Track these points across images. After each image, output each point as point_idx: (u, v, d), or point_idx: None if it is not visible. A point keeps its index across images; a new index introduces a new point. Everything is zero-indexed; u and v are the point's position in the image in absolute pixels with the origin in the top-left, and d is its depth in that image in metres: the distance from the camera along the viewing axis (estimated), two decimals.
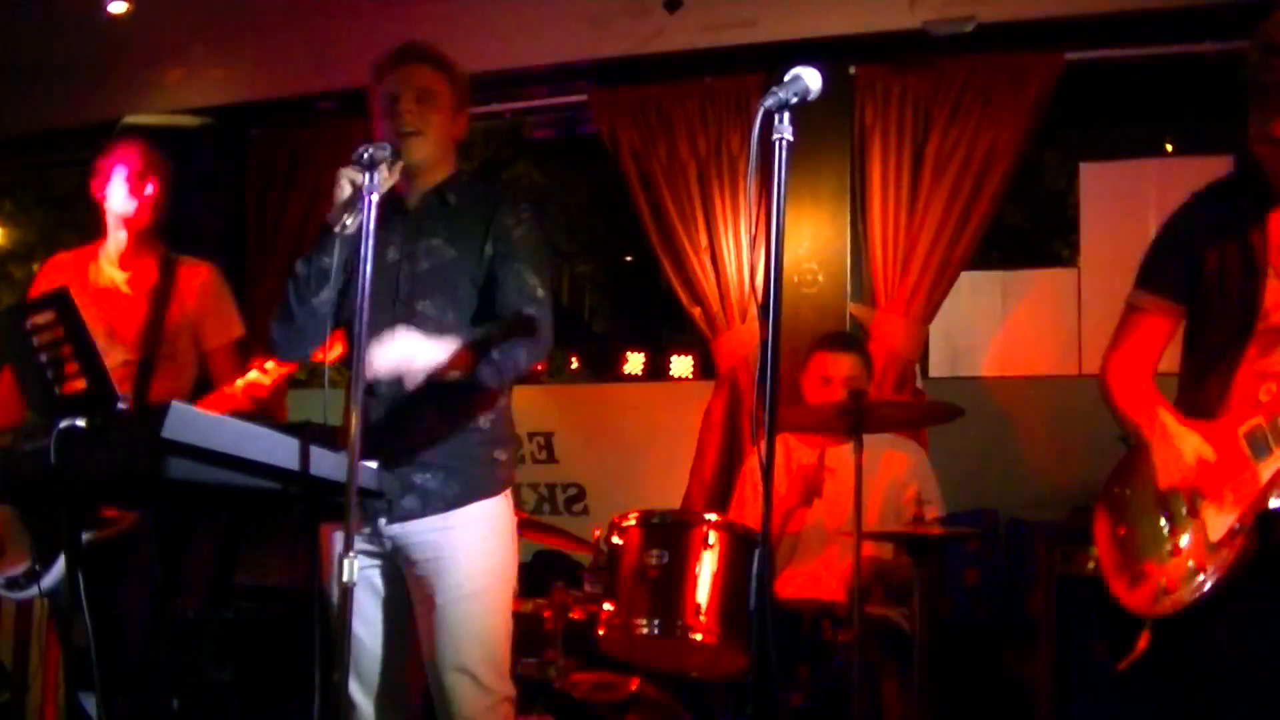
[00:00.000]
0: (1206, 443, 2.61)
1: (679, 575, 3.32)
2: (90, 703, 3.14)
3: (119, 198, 3.82)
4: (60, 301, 2.54)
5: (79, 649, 2.87)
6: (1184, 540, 2.63)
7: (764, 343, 2.13)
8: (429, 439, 2.87)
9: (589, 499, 5.42)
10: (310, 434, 2.43)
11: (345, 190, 2.62)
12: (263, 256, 5.66)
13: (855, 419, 3.55)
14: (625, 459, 5.41)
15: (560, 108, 5.60)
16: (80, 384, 2.48)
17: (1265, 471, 2.54)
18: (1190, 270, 2.74)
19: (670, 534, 3.40)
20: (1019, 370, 5.24)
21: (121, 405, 2.51)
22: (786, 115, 2.14)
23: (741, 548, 3.35)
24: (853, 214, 4.88)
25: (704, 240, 5.00)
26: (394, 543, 2.91)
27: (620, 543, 3.43)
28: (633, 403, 5.85)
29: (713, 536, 3.34)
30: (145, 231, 3.86)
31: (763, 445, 2.12)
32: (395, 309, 2.89)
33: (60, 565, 3.46)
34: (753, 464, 4.24)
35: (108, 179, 3.83)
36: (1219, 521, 2.57)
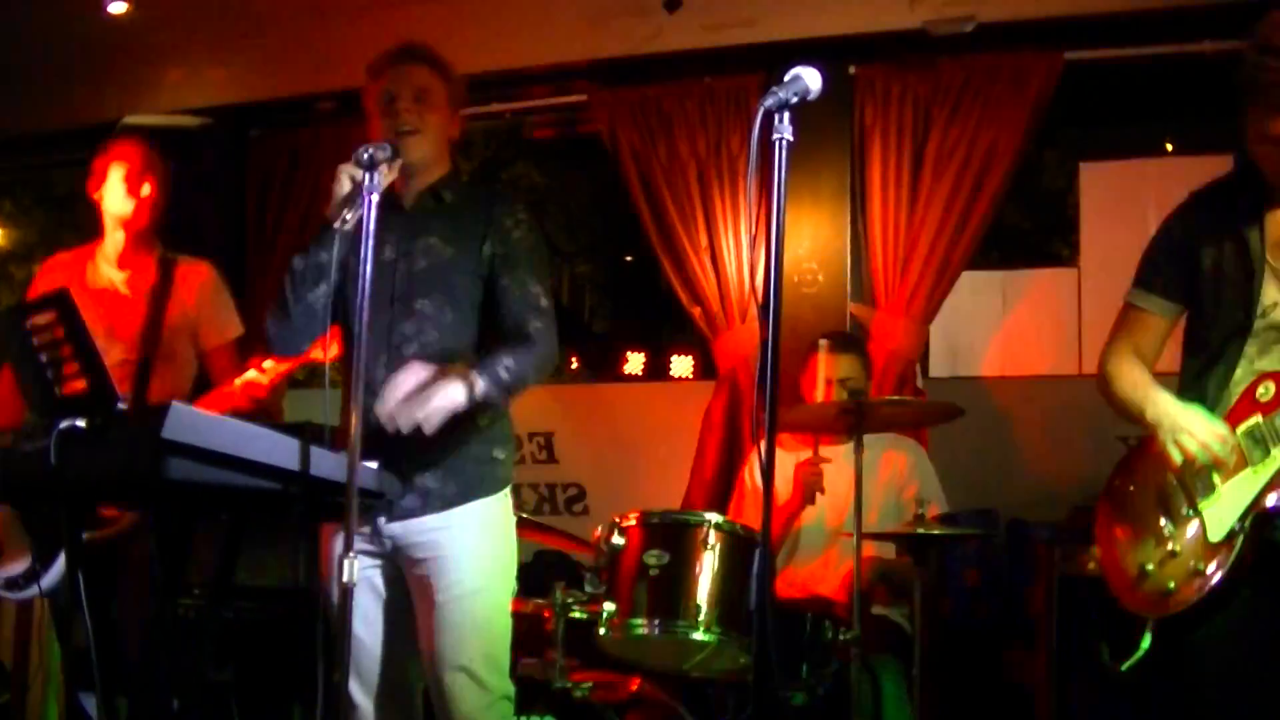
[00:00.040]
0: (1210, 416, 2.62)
1: (679, 575, 3.32)
2: (90, 703, 3.14)
3: (116, 198, 3.81)
4: (61, 302, 2.54)
5: (79, 649, 2.87)
6: (1185, 540, 2.63)
7: (764, 343, 2.13)
8: (428, 437, 2.87)
9: (589, 499, 5.42)
10: (310, 434, 2.43)
11: (345, 186, 2.64)
12: (263, 256, 5.66)
13: (856, 419, 3.55)
14: (625, 459, 5.41)
15: (560, 108, 5.59)
16: (80, 384, 2.48)
17: (1264, 471, 2.55)
18: (1188, 270, 2.74)
19: (671, 534, 3.40)
20: (1019, 370, 5.24)
21: (121, 406, 2.51)
22: (786, 115, 2.15)
23: (742, 548, 3.35)
24: (853, 214, 4.88)
25: (704, 240, 5.00)
26: (394, 542, 2.91)
27: (621, 543, 3.42)
28: (633, 403, 5.85)
29: (713, 536, 3.34)
30: (143, 232, 3.85)
31: (763, 445, 2.12)
32: (393, 308, 2.89)
33: (59, 565, 3.46)
34: (751, 464, 4.24)
35: (105, 179, 3.83)
36: (1219, 521, 2.58)
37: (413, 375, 2.65)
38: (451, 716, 2.86)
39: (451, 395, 2.64)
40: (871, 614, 3.78)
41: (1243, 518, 2.53)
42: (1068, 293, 5.18)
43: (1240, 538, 2.53)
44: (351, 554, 2.33)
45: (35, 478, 2.51)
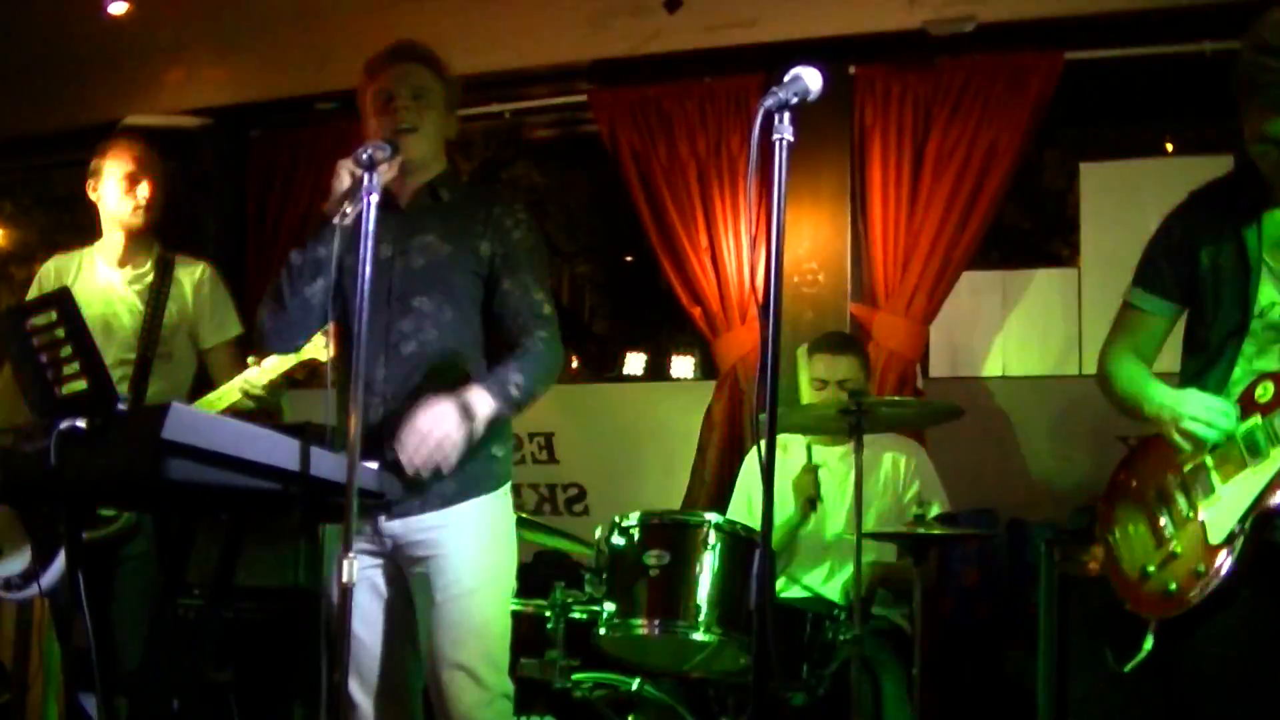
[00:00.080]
0: (1210, 396, 2.62)
1: (679, 576, 3.33)
2: (90, 703, 3.14)
3: (114, 199, 3.82)
4: (61, 301, 2.54)
5: (79, 649, 2.87)
6: (1186, 542, 2.63)
7: (764, 343, 2.13)
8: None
9: (589, 499, 5.42)
10: (311, 435, 2.43)
11: (344, 181, 2.65)
12: (262, 256, 5.66)
13: (856, 419, 3.55)
14: (626, 459, 5.41)
15: (560, 108, 5.60)
16: (80, 385, 2.48)
17: (1264, 472, 2.54)
18: (1186, 270, 2.74)
19: (671, 534, 3.40)
20: (1019, 370, 5.24)
21: (122, 406, 2.51)
22: (786, 115, 2.15)
23: (742, 548, 3.35)
24: (853, 214, 4.88)
25: (704, 240, 5.00)
26: (393, 541, 2.91)
27: (621, 543, 3.42)
28: (633, 403, 5.84)
29: (713, 537, 3.34)
30: (141, 232, 3.86)
31: (763, 445, 2.12)
32: (391, 306, 2.90)
33: (57, 565, 3.46)
34: (751, 466, 4.25)
35: (102, 180, 3.83)
36: (1219, 523, 2.57)
37: (433, 420, 2.67)
38: (450, 715, 2.86)
39: (466, 430, 2.69)
40: (872, 614, 3.79)
41: (1243, 519, 2.53)
42: (1068, 293, 5.17)
43: (1240, 539, 2.53)
44: (351, 554, 2.33)
45: (35, 478, 2.51)
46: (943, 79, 4.74)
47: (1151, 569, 2.68)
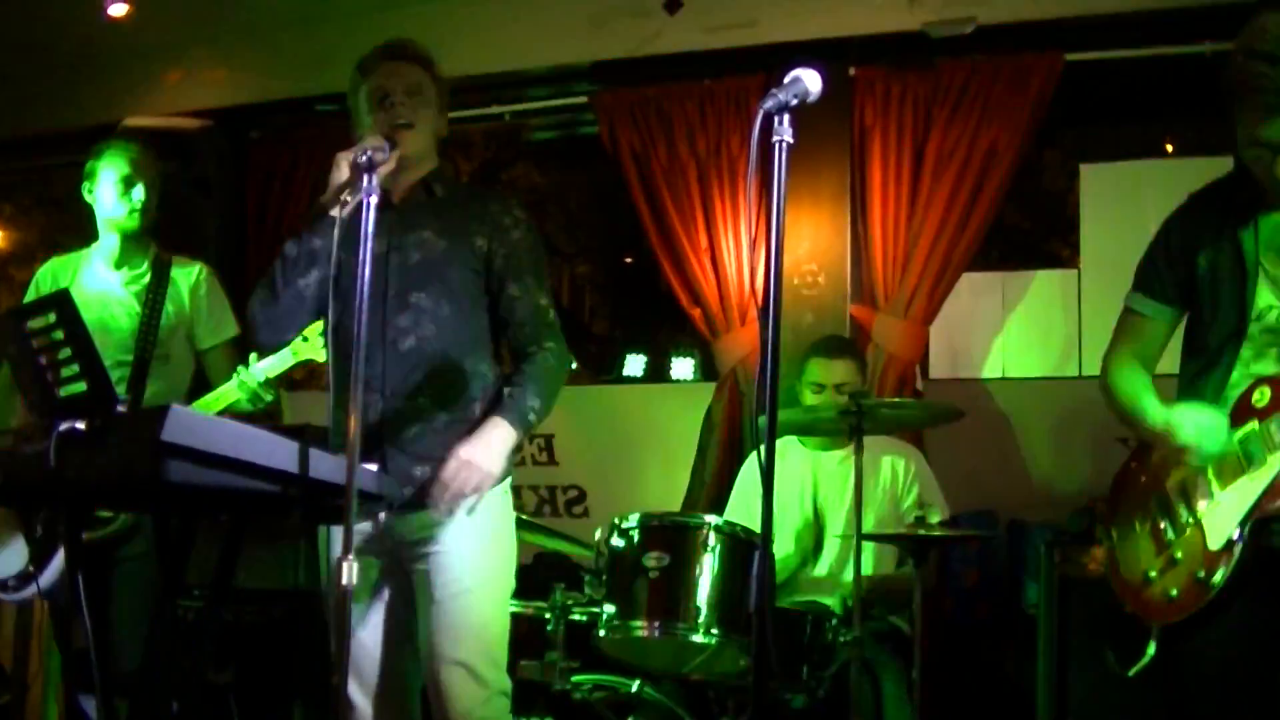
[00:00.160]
0: (1205, 411, 2.62)
1: (679, 577, 3.32)
2: (90, 704, 3.13)
3: (109, 202, 3.82)
4: (61, 303, 2.54)
5: (78, 651, 2.87)
6: (1186, 547, 2.63)
7: (764, 344, 2.13)
8: (427, 435, 2.88)
9: (589, 501, 5.42)
10: (310, 436, 2.43)
11: (343, 173, 2.65)
12: (263, 258, 5.65)
13: (856, 421, 3.55)
14: (626, 461, 5.40)
15: (560, 109, 5.60)
16: (79, 386, 2.47)
17: (1261, 477, 2.54)
18: (1185, 274, 2.74)
19: (671, 536, 3.40)
20: (1019, 371, 5.24)
21: (121, 408, 2.50)
22: (786, 117, 2.15)
23: (741, 550, 3.35)
24: (853, 215, 4.87)
25: (704, 241, 4.99)
26: (394, 539, 2.91)
27: (621, 545, 3.42)
28: (633, 404, 5.84)
29: (713, 539, 3.34)
30: (136, 234, 3.85)
31: (763, 448, 2.12)
32: (387, 302, 2.90)
33: (55, 566, 3.46)
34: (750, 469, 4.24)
35: (97, 182, 3.83)
36: (1218, 529, 2.57)
37: (464, 473, 2.79)
38: (449, 712, 2.86)
39: (500, 469, 2.84)
40: (871, 615, 3.78)
41: (1241, 525, 2.53)
42: (1068, 294, 5.17)
43: (1239, 545, 2.53)
44: (350, 557, 2.33)
45: (35, 480, 2.51)
46: (942, 80, 4.74)
47: (1153, 574, 2.68)
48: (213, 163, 5.75)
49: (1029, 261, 5.76)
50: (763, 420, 2.15)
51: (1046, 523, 4.35)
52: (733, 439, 4.92)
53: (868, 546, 3.70)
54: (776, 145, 2.15)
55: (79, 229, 4.01)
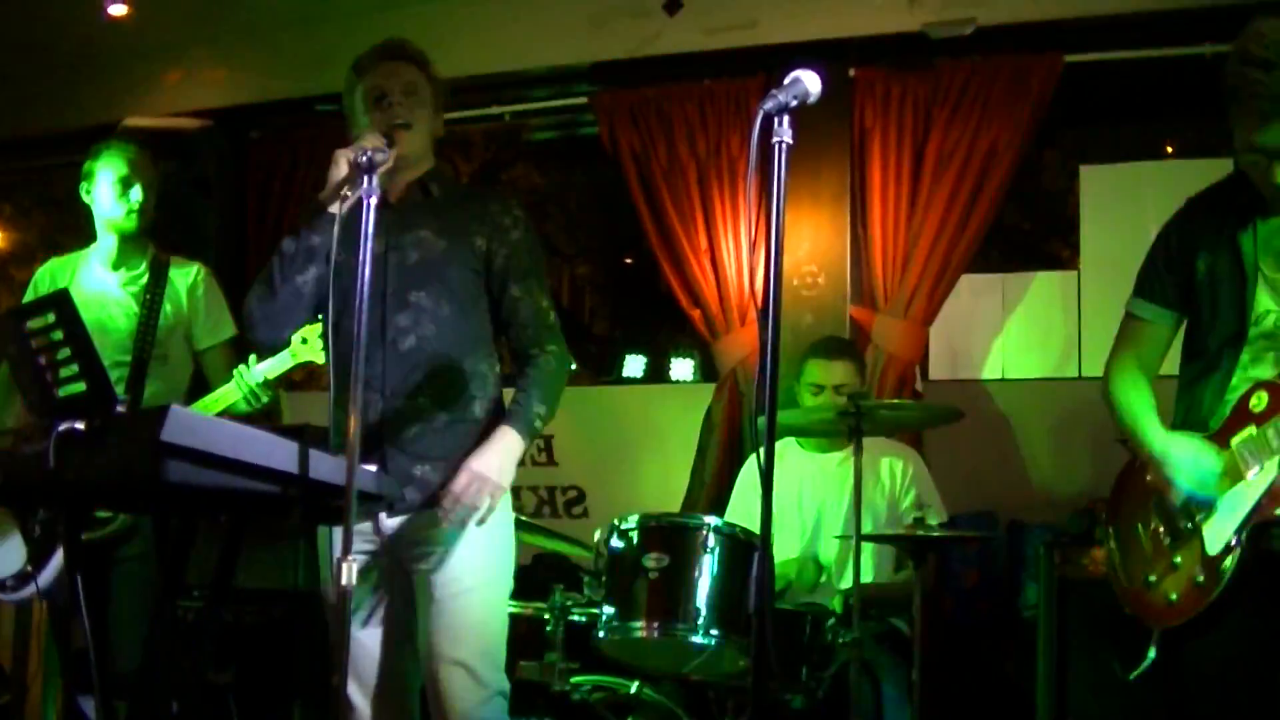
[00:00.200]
0: (1203, 454, 2.62)
1: (679, 578, 3.32)
2: (89, 705, 3.13)
3: (106, 203, 3.82)
4: (60, 303, 2.54)
5: (77, 651, 2.87)
6: (1185, 552, 2.63)
7: (764, 345, 2.13)
8: (426, 435, 2.88)
9: (589, 501, 5.42)
10: (310, 437, 2.42)
11: (341, 170, 2.65)
12: (263, 258, 5.61)
13: (855, 421, 3.55)
14: (625, 461, 5.40)
15: (560, 110, 5.60)
16: (79, 386, 2.47)
17: (1259, 483, 2.54)
18: (1185, 278, 2.75)
19: (670, 537, 3.39)
20: (1019, 373, 5.24)
21: (120, 408, 2.50)
22: (786, 118, 2.15)
23: (741, 551, 3.35)
24: (853, 216, 4.87)
25: (704, 242, 4.99)
26: (393, 539, 2.91)
27: (620, 545, 3.42)
28: (633, 405, 5.84)
29: (712, 539, 3.34)
30: (134, 235, 3.85)
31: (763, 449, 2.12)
32: (386, 301, 2.90)
33: (53, 566, 3.46)
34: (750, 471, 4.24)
35: (95, 183, 3.83)
36: (1217, 534, 2.57)
37: (476, 485, 2.81)
38: (447, 713, 2.87)
39: (509, 479, 2.88)
40: (871, 615, 3.78)
41: (1239, 530, 2.53)
42: (1068, 295, 5.17)
43: (1237, 550, 2.53)
44: (350, 557, 2.33)
45: (34, 480, 2.51)
46: (942, 81, 4.74)
47: (1153, 579, 2.68)
48: (213, 163, 5.75)
49: (1029, 262, 5.75)
50: (762, 421, 2.15)
51: (1046, 524, 4.35)
52: (732, 440, 4.92)
53: (865, 551, 3.69)
54: (776, 146, 2.15)
55: (79, 229, 4.01)
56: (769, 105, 2.15)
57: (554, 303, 3.05)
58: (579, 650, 3.58)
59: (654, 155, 5.09)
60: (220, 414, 3.50)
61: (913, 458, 4.13)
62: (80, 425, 2.36)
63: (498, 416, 2.97)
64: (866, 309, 4.82)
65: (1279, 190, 2.56)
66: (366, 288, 2.44)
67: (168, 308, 3.84)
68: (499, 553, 2.98)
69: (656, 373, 7.55)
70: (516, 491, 3.14)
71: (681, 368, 7.22)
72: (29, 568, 3.51)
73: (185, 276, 3.90)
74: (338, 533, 2.44)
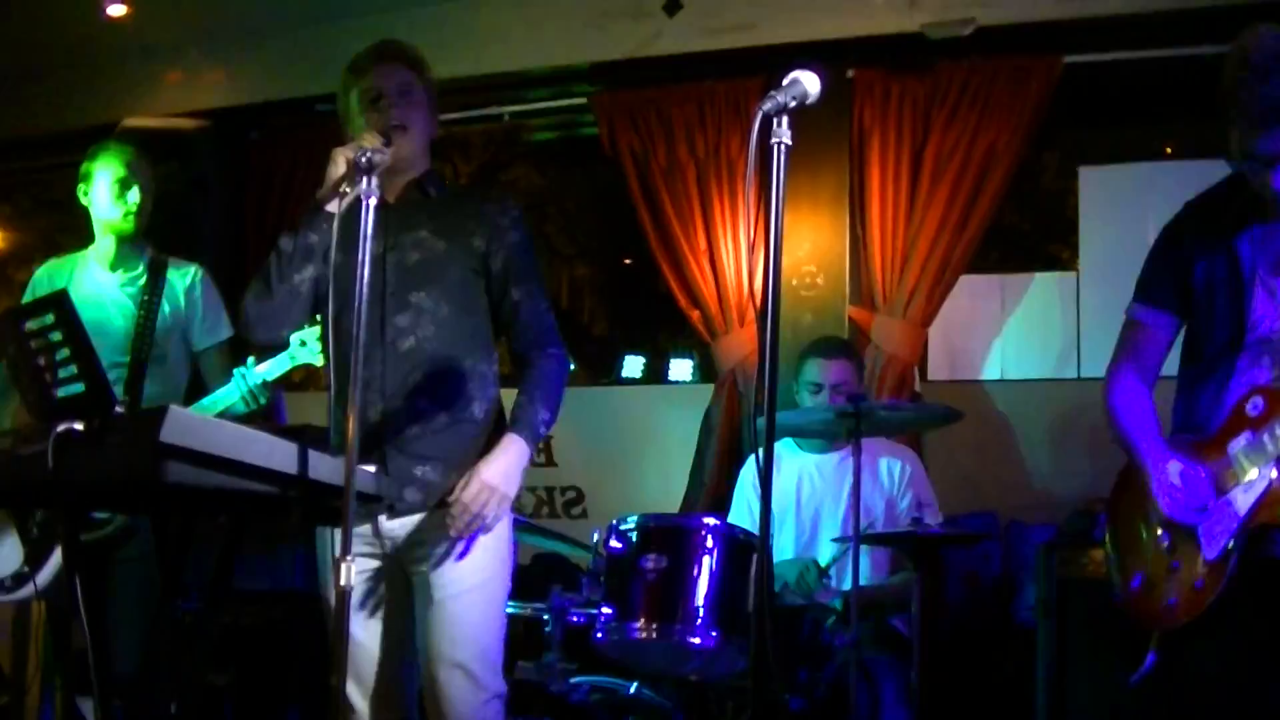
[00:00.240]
0: (1191, 474, 2.62)
1: (677, 579, 3.32)
2: (88, 707, 3.13)
3: (104, 204, 3.82)
4: (59, 304, 2.54)
5: (77, 652, 2.86)
6: (1184, 556, 2.63)
7: (763, 346, 2.13)
8: (426, 435, 2.88)
9: (588, 502, 5.42)
10: (309, 438, 2.42)
11: (339, 169, 2.65)
12: (262, 258, 5.61)
13: (854, 422, 3.55)
14: (624, 462, 5.40)
15: (560, 110, 5.60)
16: (77, 387, 2.47)
17: (1256, 487, 2.54)
18: (1184, 282, 2.75)
19: (669, 538, 3.39)
20: (1018, 374, 5.24)
21: (119, 409, 2.50)
22: (785, 118, 2.16)
23: (740, 552, 3.35)
24: (852, 217, 4.88)
25: (703, 243, 4.99)
26: (393, 540, 2.91)
27: (619, 546, 3.42)
28: (632, 405, 5.84)
29: (711, 540, 3.33)
30: (131, 236, 3.86)
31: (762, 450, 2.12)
32: (386, 302, 2.90)
33: (51, 566, 3.46)
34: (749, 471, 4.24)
35: (92, 185, 3.83)
36: (1214, 538, 2.57)
37: (485, 496, 2.81)
38: (445, 713, 2.86)
39: (517, 488, 2.88)
40: (869, 616, 3.78)
41: (1236, 535, 2.53)
42: (1067, 296, 5.17)
43: (1235, 555, 2.53)
44: (349, 558, 2.33)
45: (33, 481, 2.51)
46: (941, 82, 4.74)
47: (1152, 582, 2.68)
48: (212, 163, 5.75)
49: (1028, 263, 5.75)
50: (761, 421, 2.15)
51: (1045, 524, 4.35)
52: (731, 440, 4.92)
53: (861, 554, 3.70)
54: (775, 147, 2.15)
55: (78, 230, 4.01)
56: (768, 106, 2.15)
57: (552, 304, 3.05)
58: (577, 651, 3.57)
59: (653, 156, 5.09)
60: (219, 415, 3.50)
61: (910, 458, 4.13)
62: (79, 426, 2.36)
63: (498, 417, 2.97)
64: (865, 309, 4.82)
65: (1276, 196, 2.56)
66: (366, 288, 2.44)
67: (166, 309, 3.84)
68: (498, 554, 2.97)
69: (655, 373, 7.55)
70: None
71: (680, 368, 7.21)
72: (26, 568, 3.51)
73: (183, 277, 3.90)
74: (337, 533, 2.43)
